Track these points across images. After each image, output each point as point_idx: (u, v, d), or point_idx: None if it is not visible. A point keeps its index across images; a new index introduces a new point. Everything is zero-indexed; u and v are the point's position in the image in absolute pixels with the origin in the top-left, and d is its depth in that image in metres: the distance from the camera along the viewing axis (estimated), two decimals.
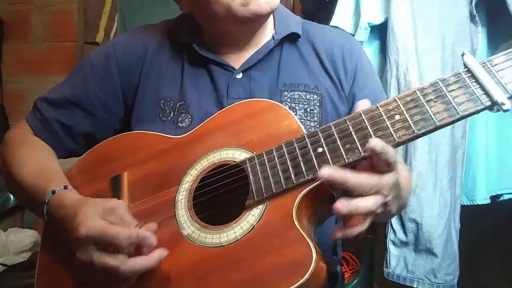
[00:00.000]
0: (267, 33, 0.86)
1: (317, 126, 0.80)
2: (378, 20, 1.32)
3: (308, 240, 0.57)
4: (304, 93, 0.82)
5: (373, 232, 1.33)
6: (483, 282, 1.63)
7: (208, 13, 0.79)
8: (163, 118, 0.82)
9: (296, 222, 0.59)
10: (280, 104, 0.72)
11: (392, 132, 0.58)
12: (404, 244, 1.30)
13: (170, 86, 0.84)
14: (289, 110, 0.70)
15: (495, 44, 1.31)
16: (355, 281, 1.31)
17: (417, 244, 1.27)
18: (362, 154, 0.58)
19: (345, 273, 1.48)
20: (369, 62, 0.91)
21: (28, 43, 2.47)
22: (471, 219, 1.34)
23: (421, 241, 1.26)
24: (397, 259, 1.32)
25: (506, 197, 1.32)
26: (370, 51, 1.36)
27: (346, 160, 0.59)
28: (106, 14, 2.54)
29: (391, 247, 1.32)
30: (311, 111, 0.82)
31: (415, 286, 1.29)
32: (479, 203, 1.30)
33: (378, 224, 1.32)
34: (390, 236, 1.33)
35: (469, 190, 1.28)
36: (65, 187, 0.73)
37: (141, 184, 0.73)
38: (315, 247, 0.57)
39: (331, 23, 1.38)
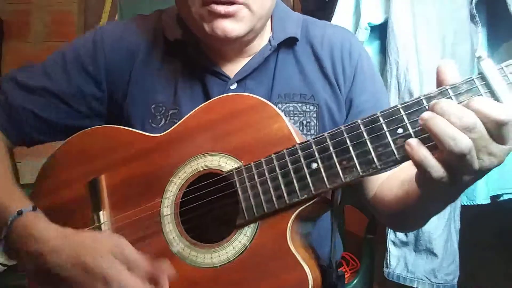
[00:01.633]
0: (263, 38, 0.81)
1: None
2: (378, 20, 1.32)
3: (304, 265, 0.56)
4: (300, 105, 0.77)
5: (373, 232, 1.33)
6: (483, 283, 1.63)
7: (183, 14, 0.76)
8: (153, 125, 0.77)
9: (290, 245, 0.57)
10: (268, 103, 0.65)
11: (394, 150, 0.52)
12: (404, 244, 1.30)
13: (164, 91, 0.78)
14: (278, 110, 0.65)
15: (495, 44, 1.31)
16: (355, 281, 1.31)
17: (417, 244, 1.27)
18: (361, 174, 0.54)
19: (345, 273, 1.48)
20: (370, 63, 0.86)
21: (28, 43, 2.47)
22: (471, 219, 1.34)
23: (421, 241, 1.26)
24: (397, 259, 1.32)
25: (506, 197, 1.31)
26: (371, 51, 1.36)
27: (343, 180, 0.55)
28: (106, 14, 2.54)
29: (391, 247, 1.32)
30: (308, 124, 0.77)
31: (415, 286, 1.29)
32: (479, 203, 1.29)
33: (378, 224, 1.32)
34: (390, 236, 1.33)
35: (469, 190, 1.27)
36: (34, 208, 0.64)
37: (121, 191, 0.69)
38: (311, 271, 0.56)
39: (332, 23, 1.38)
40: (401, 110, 0.52)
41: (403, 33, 1.23)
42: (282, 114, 0.64)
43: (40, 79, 0.79)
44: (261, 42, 0.80)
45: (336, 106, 0.79)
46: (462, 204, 1.30)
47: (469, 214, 1.34)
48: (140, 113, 0.78)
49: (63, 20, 2.46)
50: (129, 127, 0.75)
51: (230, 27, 0.70)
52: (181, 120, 0.70)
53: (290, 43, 0.81)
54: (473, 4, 1.24)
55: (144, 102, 0.78)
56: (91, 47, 0.80)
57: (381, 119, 0.53)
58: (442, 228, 1.24)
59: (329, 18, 1.95)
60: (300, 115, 0.77)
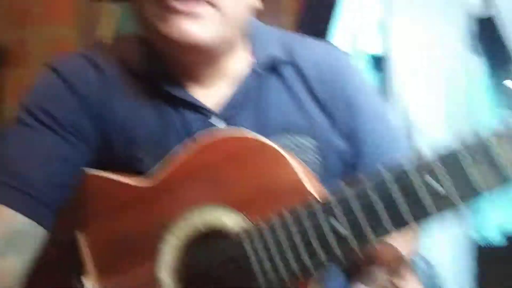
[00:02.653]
0: (239, 60, 0.69)
1: (318, 178, 0.63)
2: (377, 51, 1.32)
3: None
4: (297, 137, 0.67)
5: None
6: None
7: (140, 22, 0.65)
8: (138, 170, 0.65)
9: None
10: (271, 144, 0.57)
11: (428, 206, 0.46)
12: None
13: (147, 134, 0.66)
14: (283, 152, 0.56)
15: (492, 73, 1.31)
16: None
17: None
18: (390, 231, 0.48)
19: None
20: (364, 81, 0.77)
21: (29, 70, 2.47)
22: (489, 262, 1.26)
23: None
24: None
25: None
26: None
27: (374, 243, 0.49)
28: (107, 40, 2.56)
29: None
30: (307, 161, 0.66)
31: None
32: (494, 244, 1.22)
33: None
34: None
35: (481, 228, 1.22)
36: None
37: (107, 251, 0.61)
38: None
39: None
40: (438, 163, 0.46)
41: (403, 66, 1.23)
42: (287, 156, 0.56)
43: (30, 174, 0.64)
44: (240, 65, 0.69)
45: (337, 135, 0.69)
46: (477, 245, 1.23)
47: (487, 256, 1.24)
48: (122, 158, 0.67)
49: (62, 47, 2.46)
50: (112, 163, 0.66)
51: (192, 29, 0.59)
52: (169, 166, 0.60)
53: (275, 68, 0.70)
54: (472, 35, 1.24)
55: (125, 145, 0.67)
56: (57, 98, 0.67)
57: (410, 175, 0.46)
58: (456, 271, 1.17)
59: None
60: (298, 150, 0.66)
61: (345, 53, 0.79)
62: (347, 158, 0.70)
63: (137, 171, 0.64)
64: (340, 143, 0.69)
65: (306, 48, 0.73)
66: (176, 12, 0.58)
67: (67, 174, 0.65)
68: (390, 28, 1.28)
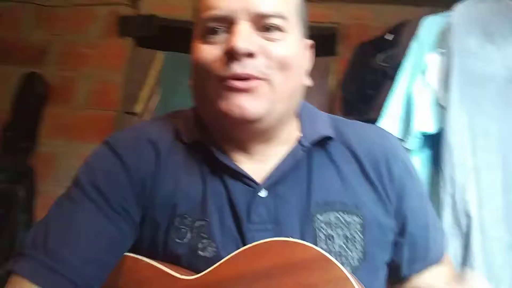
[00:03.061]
0: (288, 136, 0.70)
1: (360, 256, 0.63)
2: (431, 129, 1.23)
3: None
4: (342, 214, 0.65)
5: None
6: None
7: (198, 98, 0.69)
8: (177, 240, 0.63)
9: None
10: (334, 261, 0.52)
11: None
12: None
13: (189, 199, 0.65)
14: (347, 272, 0.51)
15: None
16: None
17: None
18: None
19: None
20: (411, 164, 0.76)
21: (69, 109, 2.51)
22: None
23: None
24: None
25: None
26: (420, 160, 1.26)
27: None
28: (149, 86, 2.59)
29: None
30: (353, 238, 0.64)
31: None
32: None
33: None
34: None
35: None
36: None
37: None
38: None
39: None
40: None
41: (460, 149, 1.12)
42: (352, 279, 0.51)
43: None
44: (289, 141, 0.70)
45: (384, 214, 0.67)
46: None
47: None
48: (161, 227, 0.65)
49: (106, 89, 2.51)
50: (146, 246, 0.65)
51: (248, 104, 0.62)
52: (217, 264, 0.58)
53: (322, 144, 0.70)
54: None
55: (166, 214, 0.65)
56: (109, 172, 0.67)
57: None
58: None
59: (367, 110, 1.87)
60: (344, 228, 0.64)
61: (393, 135, 0.79)
62: (390, 235, 0.69)
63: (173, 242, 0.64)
64: (387, 220, 0.68)
65: (355, 128, 0.74)
66: (237, 90, 0.62)
67: (109, 254, 0.62)
68: (448, 106, 1.18)
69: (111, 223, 0.63)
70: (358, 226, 0.65)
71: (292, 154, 0.68)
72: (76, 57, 2.55)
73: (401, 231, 0.70)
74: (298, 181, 0.67)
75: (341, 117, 0.78)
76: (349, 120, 0.77)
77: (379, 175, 0.69)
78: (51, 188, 2.33)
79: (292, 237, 0.58)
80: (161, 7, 2.56)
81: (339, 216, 0.65)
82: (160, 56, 2.62)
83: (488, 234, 1.03)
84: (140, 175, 0.66)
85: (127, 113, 2.52)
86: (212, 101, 0.64)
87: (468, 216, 1.04)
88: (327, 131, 0.70)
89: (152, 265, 0.61)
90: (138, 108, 2.54)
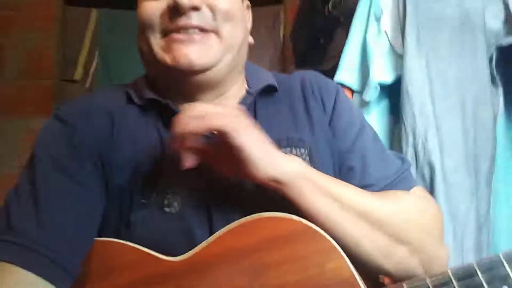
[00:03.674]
0: (237, 87, 0.74)
1: None
2: (388, 78, 1.20)
3: None
4: (289, 149, 0.68)
5: None
6: None
7: (144, 56, 0.71)
8: (143, 201, 0.64)
9: None
10: (321, 231, 0.54)
11: None
12: None
13: (149, 159, 0.67)
14: (334, 242, 0.53)
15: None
16: None
17: None
18: None
19: None
20: (348, 98, 0.81)
21: (2, 80, 2.29)
22: None
23: None
24: None
25: None
26: (378, 111, 1.23)
27: None
28: (86, 50, 2.39)
29: None
30: None
31: None
32: None
33: None
34: None
35: None
36: None
37: None
38: None
39: (335, 79, 1.26)
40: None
41: (419, 97, 1.10)
42: (339, 248, 0.52)
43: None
44: (238, 95, 0.73)
45: (325, 142, 0.72)
46: None
47: None
48: (126, 190, 0.65)
49: (39, 55, 2.29)
50: (113, 210, 0.65)
51: (195, 54, 0.64)
52: (203, 243, 0.57)
53: (268, 93, 0.75)
54: (493, 64, 1.13)
55: (128, 177, 0.66)
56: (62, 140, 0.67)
57: None
58: None
59: (321, 60, 1.82)
60: None
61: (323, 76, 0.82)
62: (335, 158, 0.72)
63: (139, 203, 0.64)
64: (327, 146, 0.72)
65: (295, 75, 0.79)
66: (181, 42, 0.64)
67: (79, 225, 0.62)
68: (405, 54, 1.15)
69: (73, 194, 0.63)
70: (307, 158, 0.68)
71: (240, 102, 0.71)
72: (0, 21, 2.29)
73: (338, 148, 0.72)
74: None
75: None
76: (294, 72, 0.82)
77: (313, 106, 0.74)
78: None
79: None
80: None
81: (286, 151, 0.67)
82: (94, 14, 2.41)
83: (450, 181, 1.04)
84: (95, 142, 0.67)
85: (65, 80, 2.33)
86: (159, 56, 0.66)
87: (430, 166, 1.04)
88: (271, 80, 0.75)
89: (136, 248, 0.60)
90: (77, 74, 2.35)
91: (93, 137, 0.67)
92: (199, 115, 0.57)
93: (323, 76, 0.80)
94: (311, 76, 0.79)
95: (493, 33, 1.13)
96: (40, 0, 2.33)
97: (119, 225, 0.64)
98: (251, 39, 0.77)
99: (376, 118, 1.22)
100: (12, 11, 2.32)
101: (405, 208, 0.64)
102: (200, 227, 0.61)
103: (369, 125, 0.78)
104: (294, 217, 0.55)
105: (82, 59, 2.38)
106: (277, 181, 0.57)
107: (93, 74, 2.38)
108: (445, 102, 1.10)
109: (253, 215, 0.56)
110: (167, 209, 0.63)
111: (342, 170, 0.70)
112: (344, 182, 0.63)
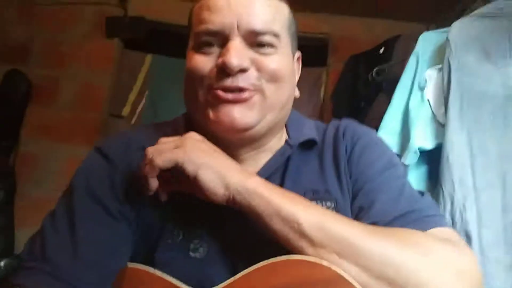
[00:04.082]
0: (278, 145, 0.73)
1: None
2: (429, 145, 1.23)
3: None
4: (315, 202, 0.66)
5: None
6: None
7: (188, 103, 0.71)
8: (169, 241, 0.65)
9: None
10: (351, 280, 0.53)
11: None
12: None
13: (180, 201, 0.66)
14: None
15: None
16: None
17: None
18: None
19: None
20: (374, 138, 0.76)
21: (53, 109, 2.43)
22: None
23: None
24: None
25: None
26: (417, 176, 1.25)
27: None
28: (136, 90, 2.54)
29: None
30: None
31: None
32: None
33: None
34: None
35: None
36: None
37: None
38: None
39: None
40: None
41: (459, 166, 1.12)
42: None
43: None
44: (277, 147, 0.73)
45: (347, 200, 0.68)
46: None
47: None
48: (153, 229, 0.66)
49: (92, 91, 2.44)
50: (139, 246, 0.65)
51: (239, 115, 0.64)
52: (230, 280, 0.57)
53: (308, 146, 0.73)
54: None
55: (159, 213, 0.66)
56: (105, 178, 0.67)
57: None
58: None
59: (360, 123, 1.88)
60: None
61: (364, 127, 0.79)
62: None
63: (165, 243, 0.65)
64: (347, 201, 0.69)
65: (337, 129, 0.76)
66: (228, 102, 0.64)
67: (109, 258, 0.62)
68: (447, 124, 1.18)
69: (108, 227, 0.63)
70: (334, 211, 0.65)
71: (278, 153, 0.71)
72: (60, 56, 2.47)
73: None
74: (282, 175, 0.70)
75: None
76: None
77: (341, 155, 0.71)
78: (31, 190, 2.25)
79: None
80: (149, 9, 2.52)
81: (321, 203, 0.66)
82: (148, 59, 2.58)
83: (487, 254, 1.03)
84: (133, 182, 0.66)
85: (113, 115, 2.47)
86: (203, 110, 0.66)
87: (467, 236, 1.04)
88: (312, 134, 0.74)
89: (164, 278, 0.60)
90: (125, 111, 2.48)
91: (131, 177, 0.66)
92: (158, 152, 0.60)
93: (357, 124, 0.77)
94: (346, 123, 0.77)
95: None
96: (101, 42, 2.52)
97: (144, 262, 0.63)
98: (297, 93, 0.75)
99: (414, 182, 1.23)
100: (74, 48, 2.50)
101: (400, 245, 0.55)
102: (224, 275, 0.60)
103: (400, 167, 0.73)
104: (325, 262, 0.53)
105: (131, 97, 2.52)
106: (230, 200, 0.59)
107: (140, 113, 2.50)
108: (485, 174, 1.11)
109: (282, 256, 0.55)
110: (192, 254, 0.63)
111: (354, 212, 0.66)
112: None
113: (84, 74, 2.48)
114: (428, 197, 0.69)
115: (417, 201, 0.66)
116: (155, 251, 0.64)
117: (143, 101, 2.54)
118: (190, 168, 0.59)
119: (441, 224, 0.63)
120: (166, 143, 0.62)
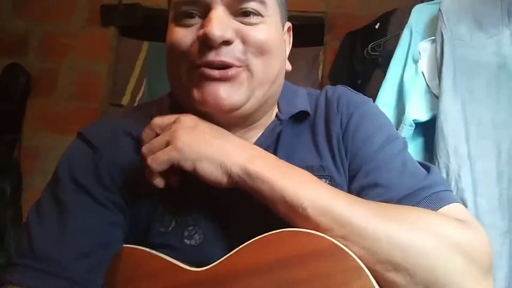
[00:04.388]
0: (269, 120, 0.69)
1: None
2: (424, 117, 1.24)
3: None
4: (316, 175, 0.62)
5: None
6: None
7: (172, 80, 0.66)
8: (161, 229, 0.63)
9: None
10: (346, 250, 0.51)
11: None
12: None
13: (170, 188, 0.64)
14: (360, 262, 0.50)
15: None
16: None
17: None
18: None
19: None
20: (369, 110, 0.71)
21: (53, 101, 2.45)
22: None
23: None
24: None
25: None
26: (414, 148, 1.26)
27: None
28: (135, 78, 2.54)
29: None
30: None
31: None
32: None
33: None
34: None
35: None
36: None
37: None
38: None
39: None
40: None
41: (454, 136, 1.13)
42: (365, 268, 0.50)
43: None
44: (268, 123, 0.69)
45: (340, 175, 0.66)
46: None
47: None
48: (146, 216, 0.64)
49: (90, 80, 2.46)
50: (133, 234, 0.64)
51: (224, 93, 0.59)
52: (225, 256, 0.56)
53: (299, 118, 0.70)
54: None
55: (149, 202, 0.65)
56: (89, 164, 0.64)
57: None
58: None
59: None
60: None
61: (368, 99, 0.74)
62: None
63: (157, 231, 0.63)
64: (343, 177, 0.66)
65: (331, 99, 0.72)
66: (212, 79, 0.59)
67: (101, 247, 0.61)
68: (441, 95, 1.19)
69: (96, 215, 0.61)
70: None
71: (268, 130, 0.68)
72: (58, 47, 2.48)
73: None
74: (274, 150, 0.67)
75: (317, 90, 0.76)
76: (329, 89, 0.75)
77: (334, 128, 0.68)
78: (37, 182, 2.28)
79: None
80: None
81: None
82: (145, 47, 2.58)
83: (483, 221, 1.04)
84: (120, 171, 0.64)
85: (113, 105, 2.48)
86: (187, 89, 0.61)
87: (464, 204, 1.05)
88: (304, 106, 0.70)
89: (160, 257, 0.60)
90: (125, 100, 2.50)
91: (119, 166, 0.64)
92: (151, 153, 0.58)
93: (352, 92, 0.73)
94: (340, 91, 0.72)
95: None
96: (98, 31, 2.52)
97: None
98: (288, 66, 0.70)
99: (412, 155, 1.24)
100: (70, 39, 2.50)
101: (406, 226, 0.53)
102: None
103: (399, 140, 0.69)
104: (319, 233, 0.52)
105: (130, 86, 2.53)
106: (235, 185, 0.57)
107: (139, 101, 2.51)
108: (479, 143, 1.12)
109: (277, 230, 0.54)
110: (187, 241, 0.61)
111: (354, 192, 0.63)
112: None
113: (82, 64, 2.49)
114: (434, 171, 0.65)
115: (423, 177, 0.62)
116: (147, 239, 0.62)
117: (142, 88, 2.54)
118: (187, 164, 0.57)
119: (451, 200, 0.60)
120: (157, 140, 0.59)
